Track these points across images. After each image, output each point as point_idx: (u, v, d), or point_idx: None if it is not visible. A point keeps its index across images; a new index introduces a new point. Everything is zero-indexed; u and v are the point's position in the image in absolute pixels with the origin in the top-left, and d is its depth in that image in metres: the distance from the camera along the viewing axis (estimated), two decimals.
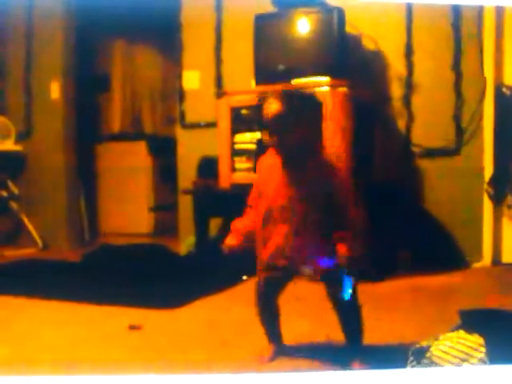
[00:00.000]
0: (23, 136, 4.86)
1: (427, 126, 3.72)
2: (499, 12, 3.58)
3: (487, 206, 3.61)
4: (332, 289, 1.84)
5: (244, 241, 1.94)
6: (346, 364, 1.82)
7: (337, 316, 1.87)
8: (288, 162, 1.85)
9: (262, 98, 1.92)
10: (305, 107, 1.83)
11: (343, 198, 1.82)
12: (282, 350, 2.00)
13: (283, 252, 1.85)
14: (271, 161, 1.90)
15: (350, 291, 1.83)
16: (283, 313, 2.02)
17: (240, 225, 1.97)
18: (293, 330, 2.05)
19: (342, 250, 1.77)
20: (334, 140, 3.09)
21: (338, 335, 1.92)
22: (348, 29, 3.61)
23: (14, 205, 4.78)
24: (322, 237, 1.81)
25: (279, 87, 3.40)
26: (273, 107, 1.81)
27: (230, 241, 1.95)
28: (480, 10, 3.58)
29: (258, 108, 3.58)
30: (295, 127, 1.79)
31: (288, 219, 1.82)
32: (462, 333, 1.64)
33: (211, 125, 4.01)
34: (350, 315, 1.87)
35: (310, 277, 1.90)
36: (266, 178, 1.91)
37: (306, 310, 2.48)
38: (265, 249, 1.89)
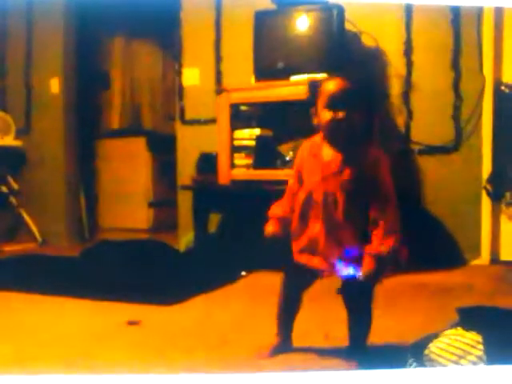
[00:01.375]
0: (23, 132, 4.87)
1: (426, 123, 3.73)
2: (498, 10, 3.58)
3: (486, 203, 3.61)
4: (347, 292, 1.84)
5: (282, 228, 1.89)
6: (345, 363, 1.83)
7: (347, 316, 1.87)
8: (342, 143, 1.80)
9: (315, 83, 1.86)
10: (367, 89, 1.86)
11: (386, 195, 1.78)
12: (288, 348, 1.98)
13: (315, 249, 1.82)
14: (316, 147, 1.85)
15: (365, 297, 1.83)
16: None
17: (278, 211, 1.92)
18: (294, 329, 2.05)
19: (368, 264, 1.75)
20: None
21: (337, 334, 1.92)
22: (347, 26, 3.62)
23: (13, 200, 4.78)
24: (356, 239, 1.78)
25: (279, 84, 3.44)
26: (343, 84, 1.79)
27: (269, 228, 1.90)
28: (479, 9, 3.59)
29: (257, 104, 3.62)
30: (361, 106, 1.78)
31: (326, 213, 1.79)
32: (460, 330, 1.65)
33: (211, 121, 4.02)
34: (362, 315, 1.86)
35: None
36: (309, 164, 1.86)
37: (307, 308, 2.48)
38: (298, 241, 1.86)
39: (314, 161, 1.84)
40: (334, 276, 1.84)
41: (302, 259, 1.86)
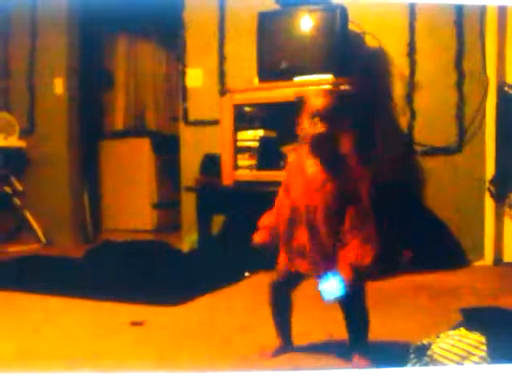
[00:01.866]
0: (27, 132, 4.87)
1: (429, 124, 3.72)
2: (501, 11, 3.58)
3: (489, 204, 3.61)
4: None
5: (271, 238, 1.95)
6: (348, 363, 1.83)
7: (343, 316, 1.88)
8: (324, 157, 1.86)
9: (301, 97, 1.93)
10: (346, 103, 1.93)
11: (364, 210, 1.83)
12: (289, 348, 2.01)
13: (303, 254, 1.87)
14: (301, 160, 1.91)
15: (358, 296, 1.85)
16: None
17: (267, 222, 1.98)
18: (296, 329, 2.05)
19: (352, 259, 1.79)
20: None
21: (341, 334, 1.93)
22: (351, 27, 3.62)
23: (17, 201, 4.79)
24: (340, 243, 1.82)
25: (283, 85, 3.44)
26: (327, 99, 1.86)
27: (258, 238, 1.96)
28: (482, 9, 3.58)
29: (260, 105, 3.62)
30: (343, 121, 1.86)
31: (311, 221, 1.84)
32: (463, 331, 1.65)
33: (214, 122, 4.02)
34: (356, 317, 1.88)
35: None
36: (295, 179, 1.92)
37: (310, 308, 2.48)
38: (286, 249, 1.92)
39: (300, 175, 1.90)
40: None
41: (292, 266, 1.91)
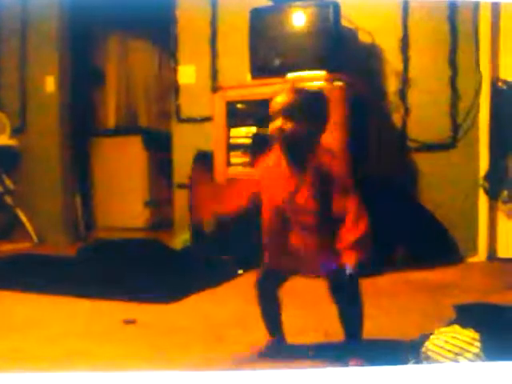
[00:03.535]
0: (18, 130, 4.85)
1: (423, 120, 3.72)
2: (495, 7, 3.58)
3: (482, 200, 3.61)
4: (335, 288, 1.84)
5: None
6: (344, 360, 1.82)
7: (338, 311, 1.87)
8: (294, 154, 1.86)
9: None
10: (316, 101, 1.89)
11: (344, 195, 1.81)
12: (282, 345, 2.00)
13: (287, 251, 1.86)
14: (273, 160, 1.91)
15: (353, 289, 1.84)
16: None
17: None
18: (291, 326, 2.04)
19: (349, 257, 1.78)
20: (330, 135, 3.09)
21: (336, 332, 1.92)
22: (344, 23, 3.61)
23: (8, 199, 4.78)
24: (325, 238, 1.81)
25: (275, 81, 3.43)
26: (289, 96, 1.85)
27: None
28: (476, 5, 3.58)
29: (253, 102, 3.61)
30: (308, 116, 1.83)
31: (292, 218, 1.83)
32: (457, 327, 1.65)
33: (207, 119, 4.01)
34: (351, 312, 1.86)
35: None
36: (268, 176, 1.91)
37: (305, 305, 2.48)
38: (270, 247, 1.91)
39: (273, 173, 1.89)
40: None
41: (277, 265, 1.91)
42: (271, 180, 1.89)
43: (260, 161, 2.01)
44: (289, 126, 1.82)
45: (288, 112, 1.83)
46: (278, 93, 1.89)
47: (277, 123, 1.83)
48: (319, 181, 1.82)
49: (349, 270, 1.75)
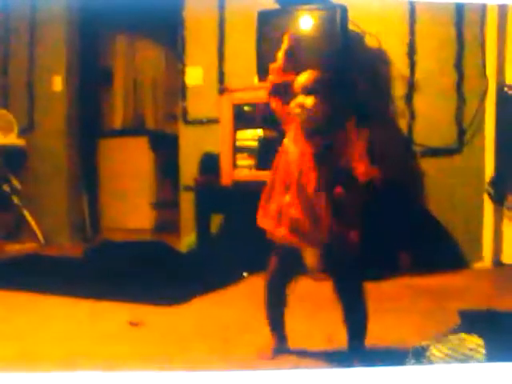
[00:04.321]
0: (25, 130, 4.86)
1: (429, 125, 3.72)
2: (502, 12, 3.57)
3: (488, 206, 3.61)
4: (339, 283, 1.86)
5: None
6: (346, 364, 1.83)
7: (343, 318, 1.88)
8: (314, 131, 1.85)
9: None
10: (340, 81, 1.96)
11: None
12: (284, 347, 2.00)
13: (296, 227, 1.82)
14: (291, 138, 1.89)
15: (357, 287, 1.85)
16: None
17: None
18: (295, 330, 2.05)
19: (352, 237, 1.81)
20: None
21: (339, 336, 1.92)
22: (351, 27, 3.62)
23: (15, 200, 4.78)
24: (334, 217, 1.80)
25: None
26: (313, 73, 1.87)
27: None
28: (483, 10, 3.58)
29: (260, 105, 3.61)
30: (331, 96, 1.84)
31: (302, 190, 1.81)
32: (461, 333, 1.65)
33: (213, 121, 4.01)
34: (356, 318, 1.87)
35: (318, 270, 1.91)
36: (287, 151, 1.89)
37: (309, 310, 2.48)
38: (278, 224, 1.87)
39: (292, 151, 1.87)
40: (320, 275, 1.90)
41: (265, 224, 1.88)
42: (288, 156, 1.87)
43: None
44: (310, 102, 1.82)
45: (309, 89, 1.83)
46: (305, 72, 1.89)
47: (299, 99, 1.83)
48: (334, 158, 1.81)
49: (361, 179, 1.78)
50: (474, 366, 1.57)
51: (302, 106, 1.83)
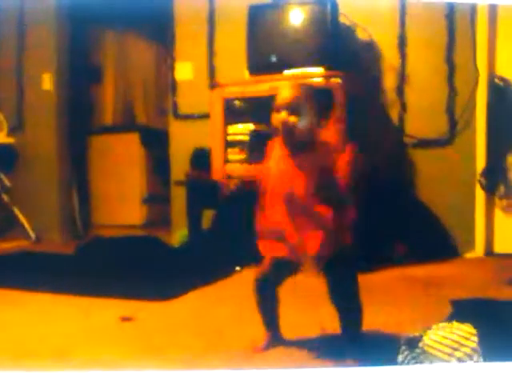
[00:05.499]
0: (15, 128, 4.84)
1: (420, 116, 3.73)
2: (492, 3, 3.58)
3: (479, 196, 3.62)
4: (332, 280, 1.85)
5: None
6: (340, 357, 1.82)
7: (337, 309, 1.87)
8: (295, 147, 1.88)
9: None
10: (321, 97, 1.95)
11: (343, 187, 1.84)
12: (279, 341, 2.00)
13: (284, 238, 1.85)
14: (275, 152, 1.93)
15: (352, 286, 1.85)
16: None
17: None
18: (288, 323, 2.04)
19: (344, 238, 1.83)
20: (329, 131, 3.09)
21: (333, 328, 1.92)
22: (341, 20, 3.61)
23: (6, 197, 4.76)
24: (320, 225, 1.82)
25: (273, 78, 3.43)
26: (295, 91, 1.89)
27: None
28: (473, 2, 3.58)
29: (251, 99, 3.60)
30: (312, 111, 1.87)
31: (291, 206, 1.84)
32: (454, 322, 1.65)
33: (204, 116, 4.00)
34: (350, 309, 1.87)
35: (311, 267, 1.91)
36: (272, 168, 1.93)
37: (302, 302, 2.48)
38: (267, 233, 1.90)
39: (276, 163, 1.92)
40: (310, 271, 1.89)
41: (272, 252, 1.90)
42: (273, 172, 1.91)
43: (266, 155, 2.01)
44: (293, 119, 1.85)
45: (293, 106, 1.85)
46: (283, 87, 1.92)
47: (282, 116, 1.85)
48: (318, 173, 1.83)
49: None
50: (468, 363, 1.56)
51: (285, 122, 1.85)
